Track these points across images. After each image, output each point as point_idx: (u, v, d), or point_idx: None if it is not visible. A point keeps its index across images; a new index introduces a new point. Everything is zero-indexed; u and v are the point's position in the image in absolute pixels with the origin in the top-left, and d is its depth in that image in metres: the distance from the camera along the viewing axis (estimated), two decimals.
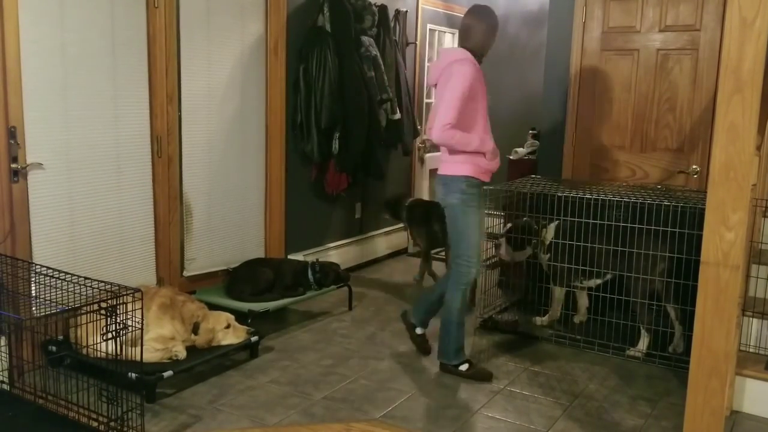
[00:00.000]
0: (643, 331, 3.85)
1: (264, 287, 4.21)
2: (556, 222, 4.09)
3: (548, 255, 4.13)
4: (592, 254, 3.94)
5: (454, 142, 3.33)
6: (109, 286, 2.68)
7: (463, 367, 3.56)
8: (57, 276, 2.83)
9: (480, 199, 3.51)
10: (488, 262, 4.44)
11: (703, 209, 2.46)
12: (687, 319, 3.74)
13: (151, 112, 3.89)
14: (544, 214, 4.14)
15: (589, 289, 4.18)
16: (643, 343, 3.85)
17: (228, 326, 3.59)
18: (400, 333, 4.17)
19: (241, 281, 4.22)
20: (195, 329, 3.50)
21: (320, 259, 4.56)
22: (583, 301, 4.34)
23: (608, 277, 3.99)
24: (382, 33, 5.36)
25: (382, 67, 5.18)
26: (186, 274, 4.23)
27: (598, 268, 3.96)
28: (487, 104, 3.48)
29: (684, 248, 3.61)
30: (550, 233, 4.12)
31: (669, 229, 3.64)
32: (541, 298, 4.37)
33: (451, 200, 3.47)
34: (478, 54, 3.47)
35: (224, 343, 3.57)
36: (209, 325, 3.53)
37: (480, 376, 3.55)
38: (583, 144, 4.59)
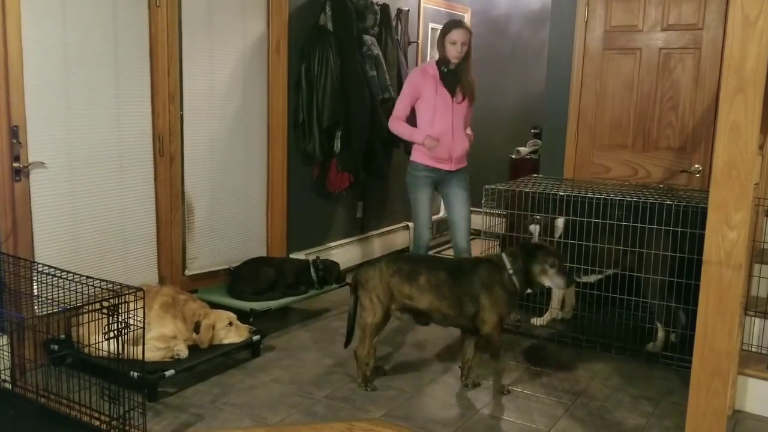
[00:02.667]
0: (659, 325, 3.86)
1: (265, 286, 4.21)
2: (564, 218, 4.07)
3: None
4: (594, 250, 3.94)
5: (398, 132, 4.22)
6: (111, 285, 2.68)
7: None
8: (59, 275, 2.83)
9: (424, 182, 4.23)
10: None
11: (706, 208, 2.46)
12: (671, 320, 3.79)
13: (153, 111, 3.89)
14: (546, 213, 4.14)
15: (590, 286, 4.17)
16: (660, 338, 3.87)
17: (230, 325, 3.59)
18: (402, 332, 4.17)
19: (242, 280, 4.22)
20: (196, 328, 3.51)
21: (320, 257, 4.56)
22: (570, 299, 4.34)
23: (609, 272, 3.99)
24: (383, 32, 5.35)
25: (384, 66, 5.18)
26: (188, 273, 4.23)
27: (601, 265, 3.96)
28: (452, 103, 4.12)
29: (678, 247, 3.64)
30: (559, 227, 4.09)
31: (671, 228, 3.64)
32: (539, 298, 4.37)
33: (406, 179, 4.34)
34: (442, 61, 4.13)
35: (226, 342, 3.57)
36: (211, 324, 3.53)
37: None
38: (585, 143, 4.59)
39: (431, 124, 4.10)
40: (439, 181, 4.26)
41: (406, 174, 4.30)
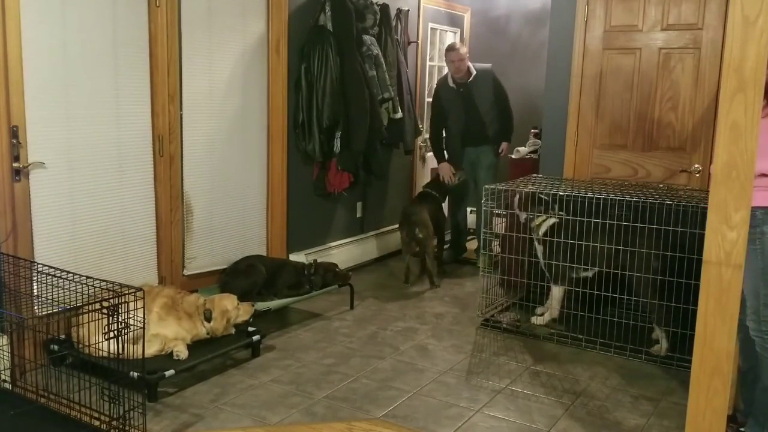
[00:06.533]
0: (659, 330, 3.85)
1: (260, 285, 4.21)
2: (553, 220, 4.09)
3: (542, 247, 4.14)
4: (592, 249, 3.95)
5: None
6: (111, 285, 2.68)
7: None
8: (59, 275, 2.83)
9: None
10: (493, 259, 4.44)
11: (706, 208, 2.46)
12: (671, 320, 3.77)
13: (153, 111, 3.89)
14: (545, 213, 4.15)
15: (590, 286, 4.17)
16: (663, 343, 3.85)
17: (236, 305, 3.68)
18: (402, 332, 4.17)
19: (237, 275, 4.23)
20: (207, 316, 3.53)
21: (319, 260, 4.54)
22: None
23: (602, 269, 4.00)
24: (383, 32, 5.35)
25: (384, 66, 5.18)
26: (186, 272, 4.23)
27: (596, 263, 3.97)
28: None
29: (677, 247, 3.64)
30: (543, 228, 4.12)
31: (671, 228, 3.64)
32: (539, 297, 4.37)
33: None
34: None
35: (239, 320, 3.68)
36: (223, 308, 3.59)
37: None
38: (584, 143, 4.59)
39: None
40: None
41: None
